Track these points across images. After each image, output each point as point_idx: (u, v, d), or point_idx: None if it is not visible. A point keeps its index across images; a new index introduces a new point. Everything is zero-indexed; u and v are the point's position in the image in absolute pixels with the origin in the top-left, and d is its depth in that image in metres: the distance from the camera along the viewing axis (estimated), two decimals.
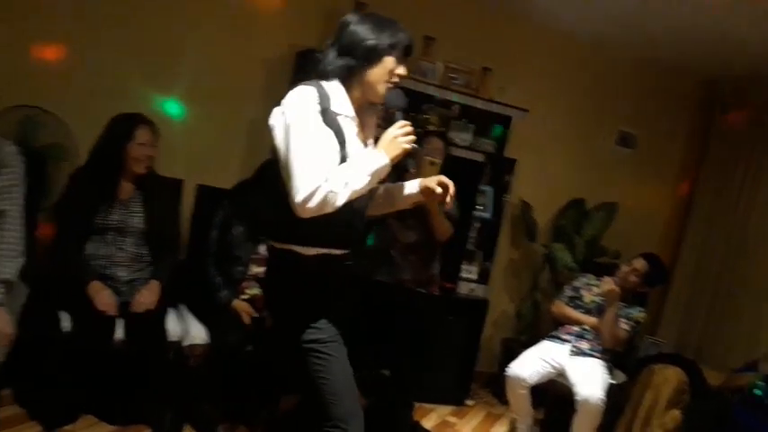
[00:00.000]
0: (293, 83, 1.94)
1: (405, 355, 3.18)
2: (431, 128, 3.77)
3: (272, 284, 2.07)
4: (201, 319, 3.06)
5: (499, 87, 4.15)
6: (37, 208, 2.98)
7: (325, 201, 1.77)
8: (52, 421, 2.71)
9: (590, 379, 3.35)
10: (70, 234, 2.84)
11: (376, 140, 1.98)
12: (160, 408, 2.82)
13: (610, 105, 4.75)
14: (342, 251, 2.01)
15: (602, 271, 3.91)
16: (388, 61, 1.93)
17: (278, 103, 1.87)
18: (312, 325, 1.91)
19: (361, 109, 2.00)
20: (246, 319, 3.01)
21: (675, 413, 3.39)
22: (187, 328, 2.95)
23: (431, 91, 3.88)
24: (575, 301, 3.84)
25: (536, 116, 4.29)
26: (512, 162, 4.25)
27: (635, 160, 4.90)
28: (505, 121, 4.16)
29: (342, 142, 1.88)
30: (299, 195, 1.76)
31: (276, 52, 3.77)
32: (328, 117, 1.86)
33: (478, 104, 4.03)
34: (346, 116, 1.92)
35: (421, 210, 2.88)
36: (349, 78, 1.94)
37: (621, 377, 3.75)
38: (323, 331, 1.92)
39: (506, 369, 3.53)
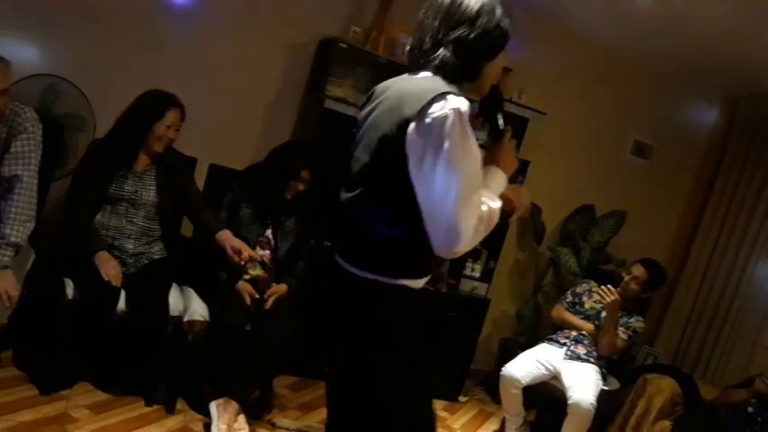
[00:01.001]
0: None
1: None
2: None
3: (371, 321, 1.64)
4: (204, 296, 3.10)
5: (518, 88, 4.15)
6: (50, 176, 3.02)
7: (476, 241, 1.51)
8: (49, 386, 2.74)
9: (583, 383, 3.38)
10: (84, 201, 2.85)
11: None
12: (155, 379, 2.89)
13: (628, 114, 4.74)
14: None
15: (605, 278, 3.92)
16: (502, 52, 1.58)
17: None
18: (423, 364, 1.70)
19: None
20: (248, 300, 3.05)
21: (665, 424, 3.42)
22: (188, 304, 2.99)
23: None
24: (575, 307, 3.87)
25: (553, 119, 4.29)
26: (525, 164, 4.25)
27: (649, 171, 4.88)
28: (522, 122, 4.15)
29: None
30: (462, 240, 1.46)
31: (299, 39, 3.79)
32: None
33: None
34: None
35: None
36: (476, 76, 1.57)
37: (615, 384, 3.76)
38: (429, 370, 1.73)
39: (502, 368, 3.56)
